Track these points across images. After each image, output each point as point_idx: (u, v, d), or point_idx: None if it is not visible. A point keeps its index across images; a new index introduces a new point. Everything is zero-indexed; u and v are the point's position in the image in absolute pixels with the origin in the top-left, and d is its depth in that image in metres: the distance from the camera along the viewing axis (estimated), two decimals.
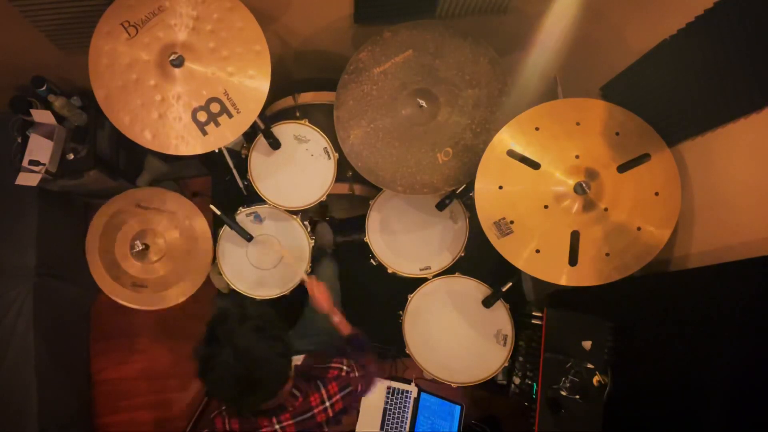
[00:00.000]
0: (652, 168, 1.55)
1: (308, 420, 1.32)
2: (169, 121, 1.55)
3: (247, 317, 1.18)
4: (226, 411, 1.32)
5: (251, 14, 1.57)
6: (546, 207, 1.58)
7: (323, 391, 1.34)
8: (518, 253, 1.59)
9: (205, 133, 1.57)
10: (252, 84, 1.58)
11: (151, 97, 1.54)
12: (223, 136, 1.58)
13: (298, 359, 1.57)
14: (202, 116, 1.57)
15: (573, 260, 1.56)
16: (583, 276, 1.55)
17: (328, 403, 1.34)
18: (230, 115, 1.58)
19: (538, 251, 1.58)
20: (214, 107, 1.57)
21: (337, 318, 1.66)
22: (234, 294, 1.98)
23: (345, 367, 1.40)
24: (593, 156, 1.58)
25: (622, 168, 1.56)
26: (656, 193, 1.54)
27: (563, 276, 1.56)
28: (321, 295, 1.67)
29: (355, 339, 1.62)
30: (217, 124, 1.58)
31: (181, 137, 1.56)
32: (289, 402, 1.29)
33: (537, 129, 1.62)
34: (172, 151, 1.56)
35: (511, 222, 1.60)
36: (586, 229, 1.56)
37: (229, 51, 1.57)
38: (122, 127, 1.54)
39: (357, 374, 1.42)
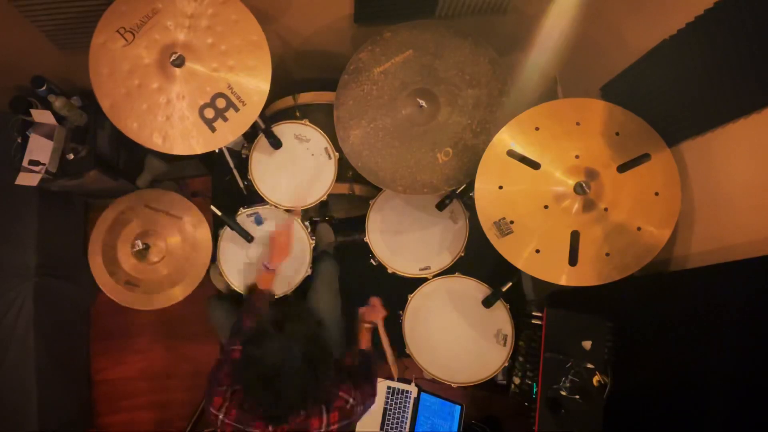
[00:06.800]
0: (652, 168, 1.55)
1: None
2: (176, 122, 1.55)
3: (320, 332, 1.25)
4: (232, 397, 1.34)
5: (244, 6, 1.56)
6: (546, 207, 1.58)
7: (324, 418, 1.36)
8: (518, 253, 1.59)
9: (213, 129, 1.57)
10: (254, 75, 1.58)
11: (156, 100, 1.54)
12: (232, 130, 1.59)
13: None
14: (209, 113, 1.57)
15: (573, 260, 1.56)
16: (583, 276, 1.55)
17: (323, 430, 1.37)
18: (236, 109, 1.58)
19: (538, 251, 1.58)
20: (220, 102, 1.57)
21: (364, 330, 1.77)
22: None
23: (351, 400, 1.43)
24: (593, 156, 1.58)
25: (622, 168, 1.56)
26: (656, 193, 1.54)
27: (563, 276, 1.56)
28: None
29: (365, 359, 1.69)
30: (225, 119, 1.58)
31: (190, 137, 1.56)
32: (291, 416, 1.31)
33: (537, 129, 1.62)
34: (185, 152, 1.57)
35: (511, 222, 1.60)
36: (586, 229, 1.56)
37: (228, 44, 1.56)
38: (131, 134, 1.54)
39: (360, 408, 1.46)
